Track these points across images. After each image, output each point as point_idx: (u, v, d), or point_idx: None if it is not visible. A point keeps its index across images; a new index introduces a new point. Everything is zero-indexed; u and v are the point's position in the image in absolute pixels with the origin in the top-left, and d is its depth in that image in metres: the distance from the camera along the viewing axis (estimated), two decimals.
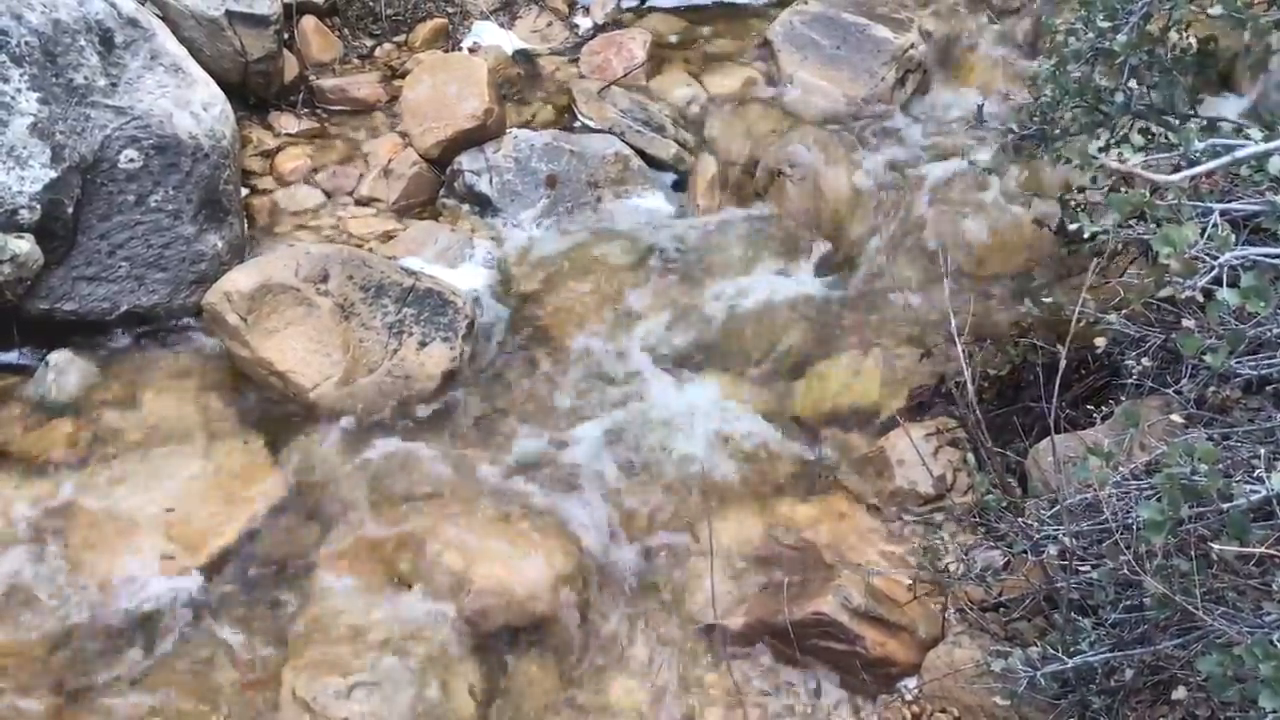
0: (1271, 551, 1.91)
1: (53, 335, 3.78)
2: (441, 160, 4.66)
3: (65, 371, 3.68)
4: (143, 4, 4.13)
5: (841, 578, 3.10)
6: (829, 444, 3.69)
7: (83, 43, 3.74)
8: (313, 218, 4.45)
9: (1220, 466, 1.96)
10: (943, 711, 2.88)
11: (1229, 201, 2.24)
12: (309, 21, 5.10)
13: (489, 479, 3.53)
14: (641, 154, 4.69)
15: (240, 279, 3.69)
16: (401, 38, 5.31)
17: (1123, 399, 2.89)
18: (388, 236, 4.38)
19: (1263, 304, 1.81)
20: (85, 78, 3.72)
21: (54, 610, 3.10)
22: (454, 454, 3.62)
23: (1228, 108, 3.76)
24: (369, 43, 5.28)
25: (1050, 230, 3.78)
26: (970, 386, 3.16)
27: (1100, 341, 2.87)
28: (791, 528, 3.33)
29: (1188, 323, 2.14)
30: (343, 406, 3.67)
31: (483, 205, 4.52)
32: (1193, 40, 3.12)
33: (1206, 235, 1.88)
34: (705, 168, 4.64)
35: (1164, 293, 2.01)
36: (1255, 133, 2.19)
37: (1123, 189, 2.86)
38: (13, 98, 3.57)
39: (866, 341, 3.95)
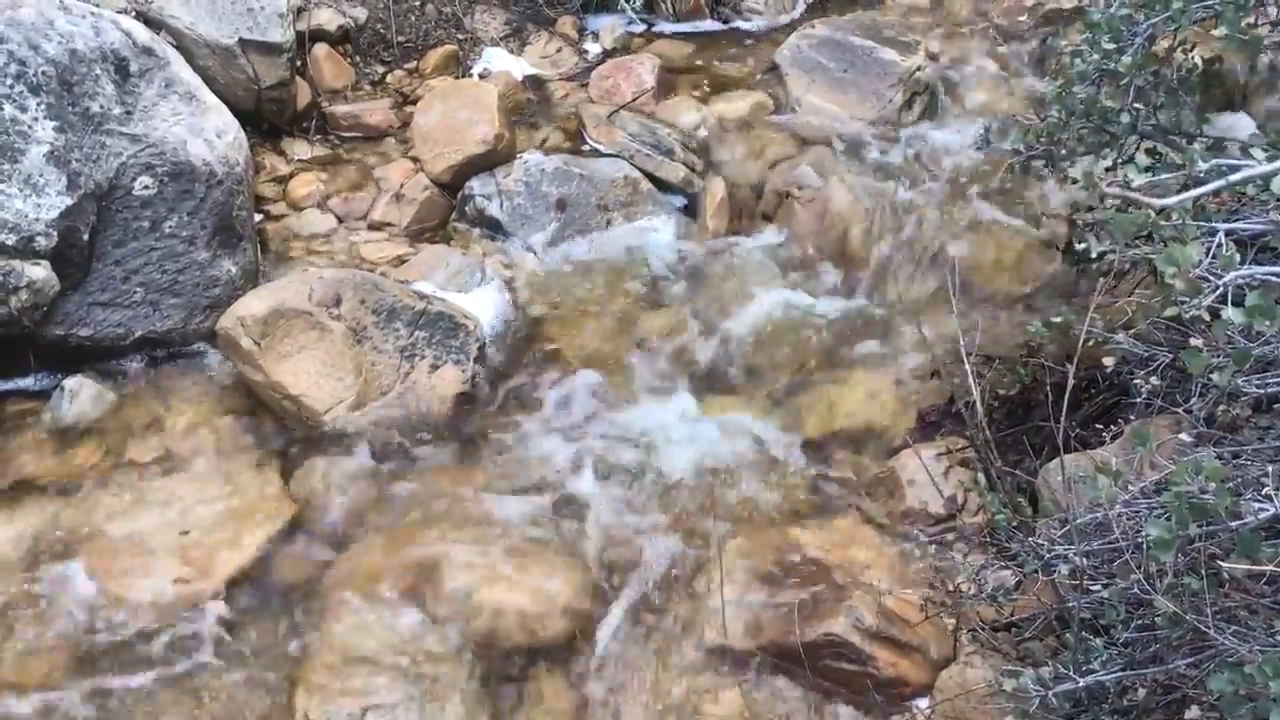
0: None
1: (68, 361, 3.82)
2: (453, 185, 4.70)
3: (80, 396, 3.71)
4: (158, 33, 4.18)
5: (853, 598, 3.09)
6: (839, 465, 3.69)
7: (98, 71, 3.79)
8: (325, 242, 4.48)
9: (1229, 485, 1.96)
10: None
11: (1235, 221, 2.25)
12: (321, 49, 5.16)
13: (500, 501, 3.54)
14: (650, 177, 4.72)
15: (254, 304, 3.72)
16: (413, 64, 5.36)
17: (1132, 418, 2.88)
18: (399, 260, 4.41)
19: (1268, 322, 1.82)
20: (101, 106, 3.77)
21: (68, 633, 3.11)
22: (465, 476, 3.63)
23: (1235, 127, 3.77)
24: (380, 69, 5.33)
25: (1058, 250, 3.79)
26: (980, 406, 3.16)
27: (1109, 361, 2.88)
28: (802, 548, 3.33)
29: (1195, 341, 2.14)
30: (355, 430, 3.69)
31: (494, 229, 4.55)
32: (1198, 60, 3.13)
33: (1211, 254, 1.89)
34: (714, 191, 4.66)
35: (1170, 312, 2.03)
36: (1259, 152, 2.21)
37: (1129, 209, 2.87)
38: (29, 126, 3.62)
39: (876, 362, 3.96)
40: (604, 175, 4.64)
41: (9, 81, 3.60)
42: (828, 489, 3.60)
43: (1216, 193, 2.05)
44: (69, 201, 3.63)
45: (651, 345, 4.11)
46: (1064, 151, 3.19)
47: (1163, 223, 2.01)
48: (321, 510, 3.51)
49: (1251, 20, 2.74)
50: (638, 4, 5.63)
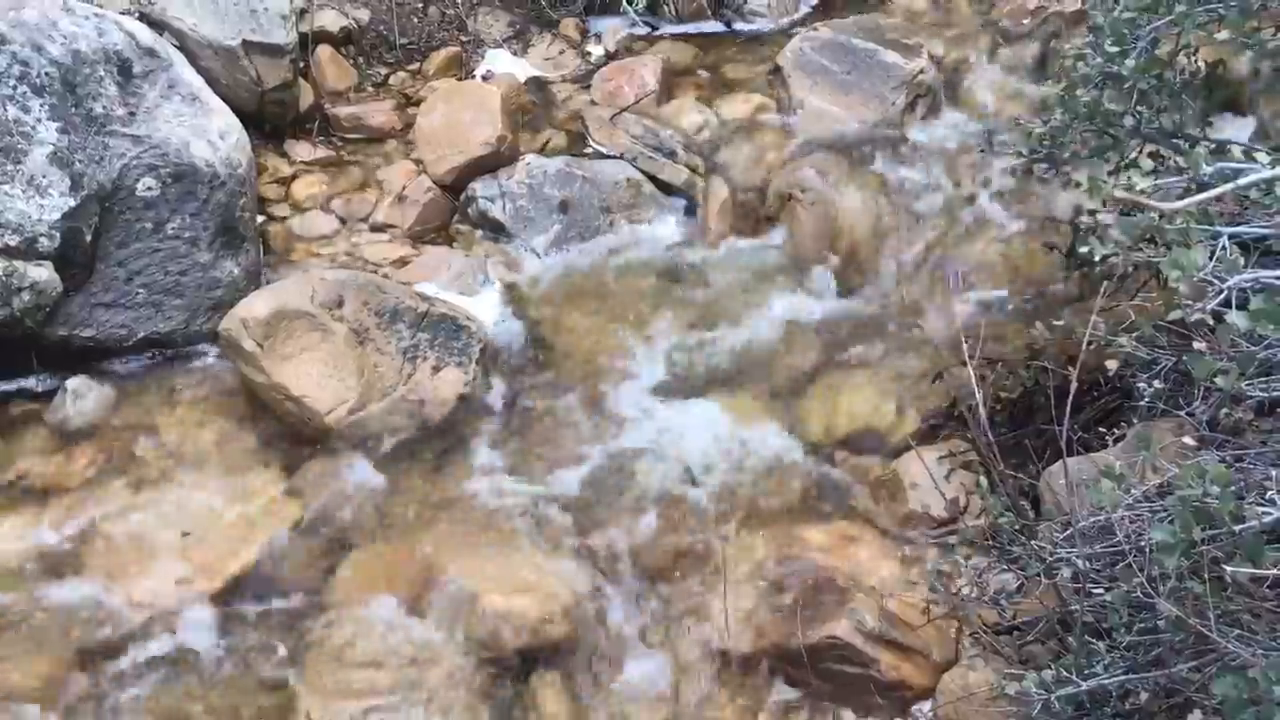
0: None
1: (71, 361, 3.82)
2: (455, 187, 4.70)
3: (83, 397, 3.71)
4: (160, 34, 4.19)
5: (855, 601, 3.09)
6: (842, 467, 3.69)
7: (101, 73, 3.79)
8: (328, 244, 4.49)
9: (1233, 489, 1.96)
10: None
11: (1238, 224, 2.25)
12: (324, 50, 5.16)
13: (502, 503, 3.54)
14: (653, 179, 4.72)
15: (256, 305, 3.72)
16: (415, 66, 5.36)
17: (1135, 421, 2.88)
18: (402, 262, 4.42)
19: (1273, 326, 1.82)
20: (104, 107, 3.77)
21: (71, 634, 3.12)
22: (468, 478, 3.63)
23: (1238, 131, 3.77)
24: (383, 71, 5.33)
25: (1061, 253, 3.79)
26: (982, 409, 3.16)
27: (1112, 364, 2.88)
28: (805, 551, 3.33)
29: (1199, 345, 2.14)
30: (358, 431, 3.69)
31: (496, 231, 4.55)
32: (1202, 64, 3.13)
33: (1215, 258, 1.89)
34: (717, 193, 4.66)
35: (1174, 315, 2.02)
36: (1263, 156, 2.21)
37: (1132, 213, 2.87)
38: (33, 127, 3.62)
39: (878, 364, 3.96)
40: (607, 177, 4.64)
41: (12, 83, 3.60)
42: (830, 491, 3.60)
43: (1221, 196, 2.05)
44: (72, 203, 3.63)
45: (654, 347, 4.10)
46: (1067, 155, 3.18)
47: (1167, 226, 2.01)
48: (323, 511, 3.51)
49: (1256, 24, 2.74)
50: (640, 6, 5.62)
